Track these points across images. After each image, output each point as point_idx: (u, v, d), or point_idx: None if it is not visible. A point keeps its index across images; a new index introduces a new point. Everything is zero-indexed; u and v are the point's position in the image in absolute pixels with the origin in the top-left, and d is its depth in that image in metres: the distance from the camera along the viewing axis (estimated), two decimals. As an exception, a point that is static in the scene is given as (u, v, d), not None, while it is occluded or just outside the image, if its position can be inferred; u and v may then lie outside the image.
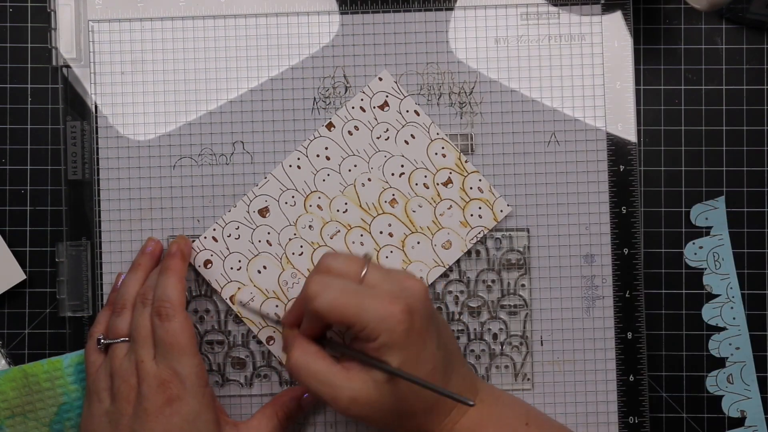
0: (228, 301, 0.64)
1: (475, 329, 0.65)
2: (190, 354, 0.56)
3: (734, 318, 0.65)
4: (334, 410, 0.63)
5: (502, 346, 0.65)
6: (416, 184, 0.64)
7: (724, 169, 0.66)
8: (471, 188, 0.64)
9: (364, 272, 0.54)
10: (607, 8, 0.65)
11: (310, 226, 0.64)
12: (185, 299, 0.59)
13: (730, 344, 0.65)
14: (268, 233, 0.64)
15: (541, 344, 0.65)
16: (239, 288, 0.64)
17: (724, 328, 0.65)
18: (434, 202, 0.64)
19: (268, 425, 0.61)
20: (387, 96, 0.65)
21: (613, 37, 0.65)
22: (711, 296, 0.65)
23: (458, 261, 0.64)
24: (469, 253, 0.65)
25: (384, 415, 0.54)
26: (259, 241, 0.64)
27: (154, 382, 0.56)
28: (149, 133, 0.65)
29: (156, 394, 0.55)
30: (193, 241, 0.64)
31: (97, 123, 0.65)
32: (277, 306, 0.64)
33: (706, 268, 0.65)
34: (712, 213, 0.65)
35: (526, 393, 0.64)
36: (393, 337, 0.52)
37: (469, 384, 0.57)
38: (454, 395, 0.52)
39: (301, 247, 0.64)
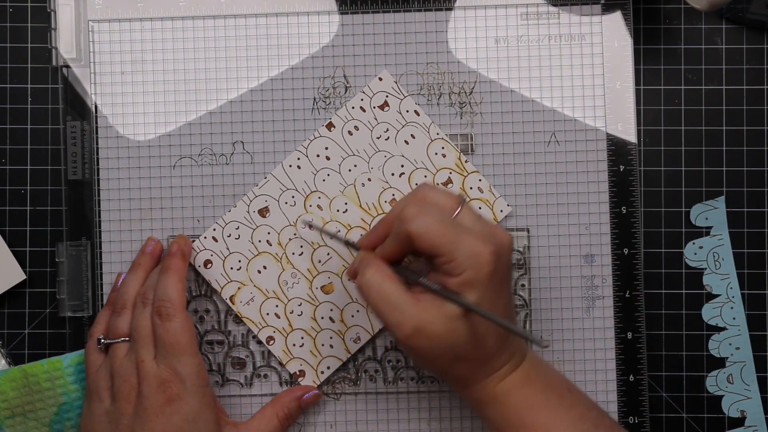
0: (228, 301, 0.64)
1: (475, 329, 0.65)
2: (190, 354, 0.56)
3: (734, 318, 0.65)
4: (393, 338, 0.62)
5: (502, 346, 0.65)
6: (416, 184, 0.64)
7: (724, 169, 0.66)
8: (471, 188, 0.64)
9: (458, 210, 0.54)
10: (607, 8, 0.65)
11: (310, 227, 0.64)
12: (186, 299, 0.59)
13: (730, 344, 0.65)
14: (268, 233, 0.64)
15: (541, 344, 0.65)
16: (239, 288, 0.64)
17: (724, 328, 0.65)
18: (434, 202, 0.64)
19: (268, 426, 0.61)
20: (387, 96, 0.65)
21: (613, 37, 0.65)
22: (711, 296, 0.65)
23: (458, 261, 0.64)
24: (469, 253, 0.64)
25: (440, 354, 0.54)
26: (259, 241, 0.64)
27: (154, 381, 0.56)
28: (149, 133, 0.65)
29: (156, 393, 0.55)
30: (193, 241, 0.64)
31: (97, 123, 0.65)
32: (277, 306, 0.64)
33: (706, 268, 0.65)
34: (712, 213, 0.65)
35: (526, 393, 0.64)
36: (478, 275, 0.52)
37: (522, 342, 0.57)
38: (529, 336, 0.52)
39: (301, 247, 0.64)
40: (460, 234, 0.53)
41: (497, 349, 0.55)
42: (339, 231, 0.64)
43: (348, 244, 0.61)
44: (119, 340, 0.59)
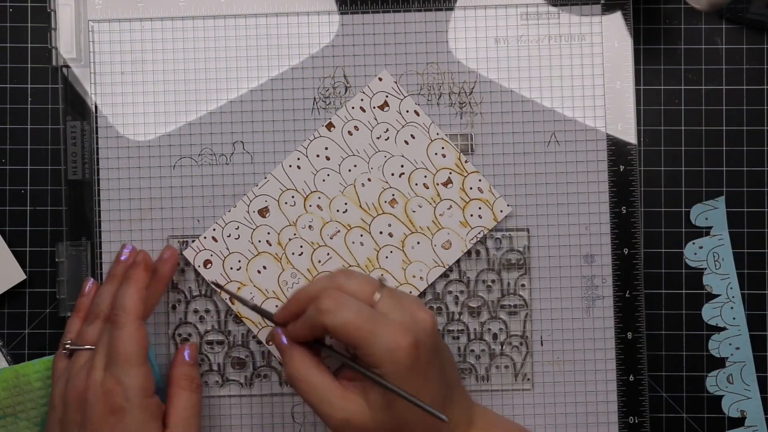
0: (228, 301, 0.64)
1: (475, 329, 0.65)
2: (136, 364, 0.56)
3: (734, 318, 0.65)
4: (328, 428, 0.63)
5: (502, 346, 0.65)
6: (416, 184, 0.64)
7: (724, 169, 0.66)
8: (471, 188, 0.64)
9: (378, 297, 0.54)
10: (607, 8, 0.65)
11: (310, 226, 0.64)
12: (141, 309, 0.58)
13: (730, 344, 0.65)
14: (268, 233, 0.64)
15: (541, 344, 0.65)
16: (239, 288, 0.64)
17: (724, 328, 0.65)
18: (434, 202, 0.64)
19: (184, 402, 0.59)
20: (387, 96, 0.65)
21: (613, 37, 0.65)
22: (711, 296, 0.65)
23: (458, 261, 0.64)
24: (469, 253, 0.65)
25: None
26: (259, 241, 0.64)
27: (99, 390, 0.55)
28: (149, 133, 0.65)
29: (99, 402, 0.55)
30: (193, 241, 0.64)
31: (97, 123, 0.65)
32: (277, 306, 0.64)
33: (706, 268, 0.65)
34: (712, 213, 0.65)
35: (526, 393, 0.64)
36: (397, 368, 0.52)
37: (465, 412, 0.57)
38: (426, 407, 0.51)
39: (301, 247, 0.64)
40: (378, 327, 0.52)
41: (432, 429, 0.55)
42: (252, 297, 0.63)
43: (262, 313, 0.60)
44: (84, 347, 0.59)
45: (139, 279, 0.59)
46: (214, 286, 0.63)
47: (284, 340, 0.57)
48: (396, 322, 0.53)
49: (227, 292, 0.63)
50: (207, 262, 0.64)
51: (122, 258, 0.62)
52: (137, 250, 0.63)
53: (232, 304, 0.64)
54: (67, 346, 0.60)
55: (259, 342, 0.64)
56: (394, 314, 0.53)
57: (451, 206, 0.64)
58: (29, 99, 0.65)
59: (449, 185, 0.64)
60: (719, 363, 0.65)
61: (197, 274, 0.64)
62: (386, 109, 0.65)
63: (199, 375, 0.61)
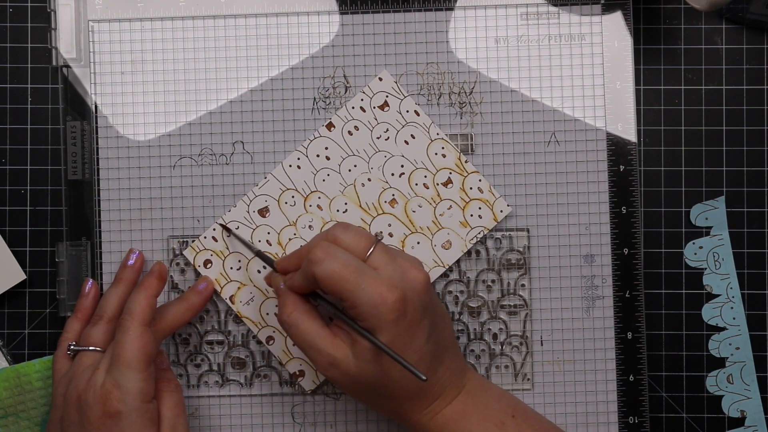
0: (228, 301, 0.64)
1: (475, 329, 0.65)
2: (135, 369, 0.56)
3: (734, 318, 0.65)
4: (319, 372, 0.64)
5: (502, 346, 0.65)
6: (416, 184, 0.64)
7: (724, 169, 0.65)
8: (471, 188, 0.64)
9: (370, 251, 0.55)
10: (607, 8, 0.65)
11: (310, 226, 0.64)
12: (149, 315, 0.58)
13: (730, 344, 0.65)
14: (268, 233, 0.64)
15: (541, 344, 0.65)
16: (239, 288, 0.64)
17: (724, 328, 0.65)
18: (434, 202, 0.64)
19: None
20: (387, 96, 0.65)
21: (613, 37, 0.65)
22: (711, 296, 0.65)
23: (458, 261, 0.64)
24: (469, 253, 0.65)
25: (360, 389, 0.56)
26: (259, 241, 0.64)
27: (98, 391, 0.55)
28: (149, 133, 0.65)
29: (96, 404, 0.55)
30: (193, 241, 0.64)
31: (97, 123, 0.65)
32: (276, 306, 0.64)
33: (706, 268, 0.65)
34: (712, 213, 0.65)
35: (526, 393, 0.64)
36: (381, 324, 0.53)
37: (457, 375, 0.58)
38: (407, 365, 0.52)
39: (301, 246, 0.64)
40: (364, 280, 0.53)
41: (418, 388, 0.55)
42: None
43: (264, 259, 0.61)
44: (88, 348, 0.59)
45: (150, 286, 0.60)
46: (222, 228, 0.63)
47: (281, 285, 0.58)
48: (385, 277, 0.54)
49: (235, 236, 0.63)
50: (207, 262, 0.64)
51: (129, 263, 0.63)
52: (144, 256, 0.64)
53: (232, 303, 0.64)
54: (72, 347, 0.60)
55: (259, 342, 0.64)
56: (385, 270, 0.54)
57: (451, 206, 0.64)
58: (29, 99, 0.65)
59: (449, 185, 0.64)
60: (719, 363, 0.65)
61: (197, 274, 0.64)
62: (386, 109, 0.65)
63: (175, 376, 0.61)
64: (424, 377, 0.51)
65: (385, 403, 0.56)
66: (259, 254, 0.62)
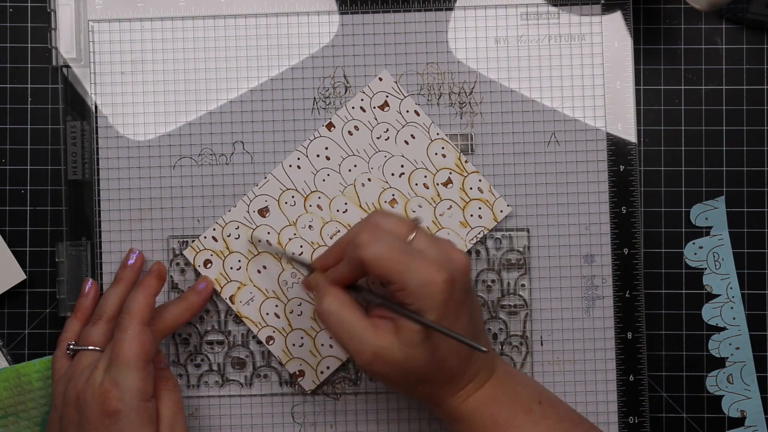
0: (228, 301, 0.64)
1: (475, 329, 0.65)
2: (134, 368, 0.56)
3: (734, 318, 0.65)
4: (356, 365, 0.63)
5: (502, 346, 0.65)
6: (416, 184, 0.64)
7: (724, 169, 0.66)
8: (471, 188, 0.64)
9: (412, 235, 0.54)
10: (607, 8, 0.65)
11: (310, 226, 0.64)
12: (147, 314, 0.58)
13: (730, 344, 0.65)
14: (268, 233, 0.64)
15: (541, 344, 0.65)
16: (239, 288, 0.64)
17: (724, 328, 0.65)
18: (434, 202, 0.64)
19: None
20: (387, 96, 0.65)
21: (613, 37, 0.65)
22: (711, 296, 0.65)
23: (458, 261, 0.64)
24: (469, 253, 0.65)
25: (402, 377, 0.55)
26: (259, 241, 0.64)
27: (96, 390, 0.55)
28: (149, 133, 0.65)
29: (95, 403, 0.55)
30: (193, 241, 0.64)
31: (97, 123, 0.65)
32: (276, 306, 0.64)
33: (706, 268, 0.65)
34: (712, 213, 0.65)
35: (526, 393, 0.64)
36: (431, 304, 0.52)
37: (489, 360, 0.58)
38: (466, 340, 0.52)
39: (301, 247, 0.64)
40: (413, 261, 0.53)
41: (459, 370, 0.55)
42: (302, 252, 0.64)
43: (297, 261, 0.61)
44: (88, 348, 0.59)
45: (149, 286, 0.60)
46: (254, 242, 0.64)
47: (322, 281, 0.57)
48: (431, 257, 0.53)
49: (265, 244, 0.63)
50: (207, 262, 0.64)
51: (129, 262, 0.63)
52: (144, 256, 0.64)
53: (232, 303, 0.64)
54: (71, 346, 0.60)
55: (259, 342, 0.64)
56: (429, 251, 0.54)
57: (451, 206, 0.64)
58: (29, 99, 0.65)
59: (449, 185, 0.64)
60: (719, 363, 0.65)
61: (197, 274, 0.64)
62: (386, 109, 0.65)
63: (173, 375, 0.61)
64: (484, 349, 0.51)
65: (422, 388, 0.56)
66: (293, 258, 0.62)
